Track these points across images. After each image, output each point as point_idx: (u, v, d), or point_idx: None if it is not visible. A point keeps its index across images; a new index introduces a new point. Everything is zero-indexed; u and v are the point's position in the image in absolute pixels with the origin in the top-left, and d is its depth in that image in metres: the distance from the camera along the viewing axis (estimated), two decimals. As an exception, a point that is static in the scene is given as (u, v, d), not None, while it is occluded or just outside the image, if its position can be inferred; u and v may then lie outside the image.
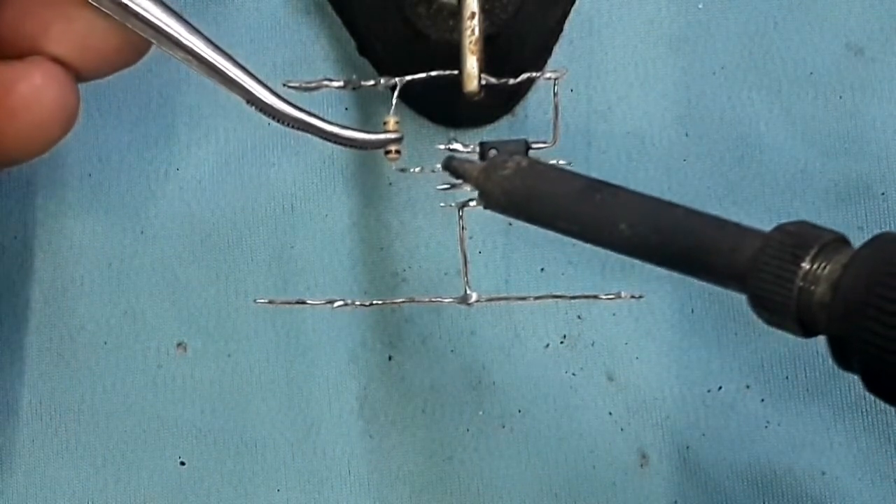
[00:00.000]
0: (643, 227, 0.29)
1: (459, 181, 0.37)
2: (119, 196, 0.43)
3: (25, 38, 0.32)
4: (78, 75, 0.32)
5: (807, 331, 0.27)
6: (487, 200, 0.33)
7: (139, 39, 0.32)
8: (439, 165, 0.37)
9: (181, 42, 0.32)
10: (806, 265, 0.26)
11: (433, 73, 0.36)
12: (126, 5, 0.31)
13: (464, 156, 0.36)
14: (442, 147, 0.37)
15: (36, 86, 0.31)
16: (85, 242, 0.43)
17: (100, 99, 0.43)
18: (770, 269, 0.26)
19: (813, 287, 0.26)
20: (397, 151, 0.35)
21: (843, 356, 0.26)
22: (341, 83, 0.36)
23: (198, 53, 0.32)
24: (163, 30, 0.32)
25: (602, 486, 0.42)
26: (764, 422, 0.43)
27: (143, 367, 0.42)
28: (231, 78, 0.33)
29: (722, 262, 0.27)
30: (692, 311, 0.43)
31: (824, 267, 0.26)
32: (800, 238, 0.26)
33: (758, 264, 0.27)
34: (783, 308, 0.26)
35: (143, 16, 0.31)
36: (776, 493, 0.42)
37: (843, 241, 0.27)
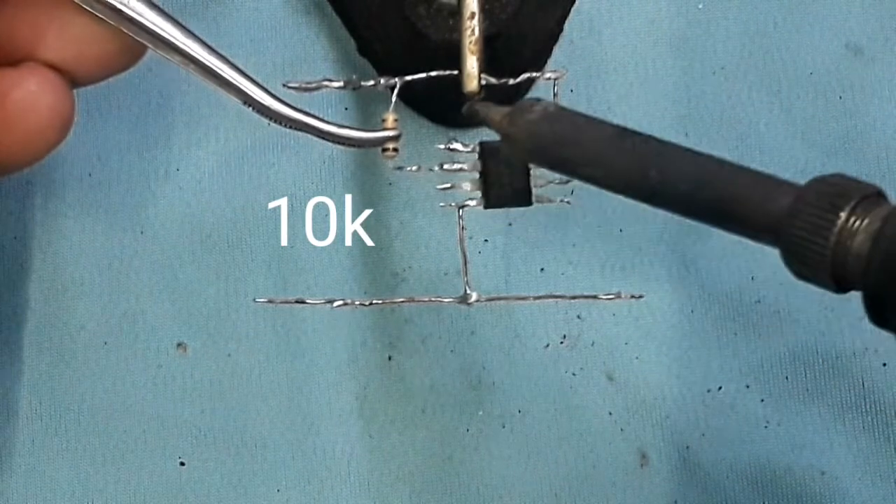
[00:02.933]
0: (673, 175, 0.28)
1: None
2: (119, 196, 0.43)
3: (20, 44, 0.31)
4: (73, 81, 0.32)
5: (841, 285, 0.26)
6: (512, 145, 0.32)
7: (134, 44, 0.32)
8: (437, 165, 0.37)
9: (177, 46, 0.32)
10: (844, 216, 0.25)
11: (433, 73, 0.36)
12: (121, 11, 0.31)
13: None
14: (442, 147, 0.37)
15: (31, 92, 0.31)
16: (85, 242, 0.43)
17: (100, 99, 0.43)
18: (807, 219, 0.26)
19: (850, 240, 0.25)
20: (395, 149, 0.35)
21: (880, 312, 0.25)
22: (341, 83, 0.36)
23: (193, 57, 0.32)
24: (158, 34, 0.32)
25: (602, 486, 0.42)
26: (764, 422, 0.43)
27: (143, 367, 0.42)
28: (227, 80, 0.33)
29: (755, 212, 0.27)
30: (692, 311, 0.43)
31: (863, 219, 0.25)
32: (840, 188, 0.26)
33: (794, 215, 0.26)
34: (818, 260, 0.26)
35: (137, 21, 0.31)
36: (776, 493, 0.42)
37: (881, 194, 0.26)
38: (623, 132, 0.30)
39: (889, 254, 0.25)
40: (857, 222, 0.25)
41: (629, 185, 0.29)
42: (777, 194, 0.27)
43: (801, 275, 0.27)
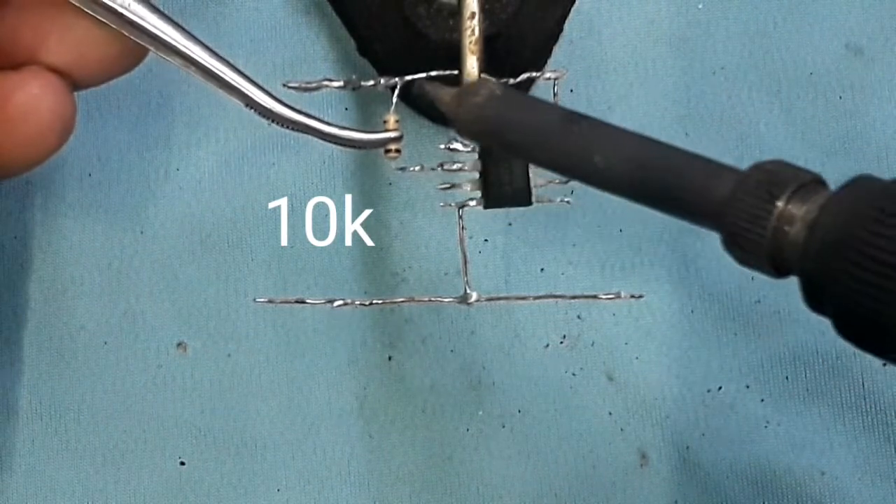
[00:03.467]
0: (618, 161, 0.28)
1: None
2: (119, 196, 0.43)
3: (22, 47, 0.32)
4: (75, 84, 0.32)
5: (779, 271, 0.27)
6: (459, 126, 0.32)
7: (136, 47, 0.32)
8: (437, 165, 0.37)
9: (178, 49, 0.32)
10: (781, 204, 0.26)
11: (433, 73, 0.36)
12: (122, 14, 0.31)
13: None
14: (442, 147, 0.37)
15: (33, 95, 0.31)
16: (85, 242, 0.43)
17: (100, 99, 0.43)
18: (745, 207, 0.26)
19: (788, 227, 0.26)
20: (397, 150, 0.35)
21: (815, 298, 0.26)
22: (341, 83, 0.36)
23: (195, 59, 0.32)
24: (159, 37, 0.32)
25: (602, 486, 0.42)
26: (764, 422, 0.43)
27: (143, 367, 0.42)
28: (228, 83, 0.33)
29: (697, 198, 0.27)
30: (692, 311, 0.43)
31: (800, 207, 0.26)
32: (777, 177, 0.26)
33: (733, 202, 0.26)
34: (756, 247, 0.26)
35: (138, 24, 0.32)
36: (776, 493, 0.42)
37: (820, 182, 0.26)
38: (569, 116, 0.30)
39: (824, 243, 0.25)
40: (795, 210, 0.26)
41: (574, 170, 0.29)
42: (718, 181, 0.27)
43: (741, 260, 0.27)
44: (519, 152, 0.31)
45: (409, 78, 0.36)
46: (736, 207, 0.26)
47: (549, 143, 0.30)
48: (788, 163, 0.27)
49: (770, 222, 0.26)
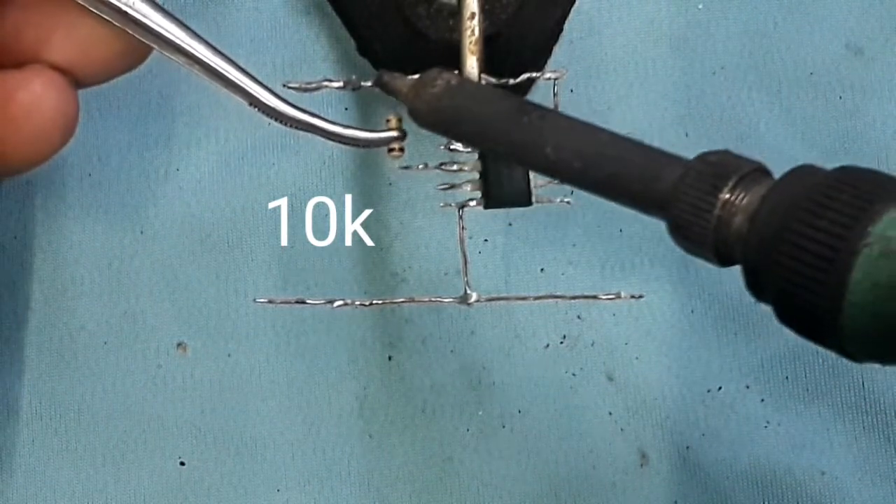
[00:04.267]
0: (568, 152, 0.29)
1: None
2: (119, 196, 0.43)
3: (26, 46, 0.32)
4: (78, 82, 0.32)
5: (723, 261, 0.27)
6: (416, 117, 0.32)
7: (139, 45, 0.32)
8: (439, 165, 0.37)
9: (182, 47, 0.32)
10: (724, 196, 0.26)
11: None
12: (126, 12, 0.31)
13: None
14: (442, 147, 0.37)
15: (36, 94, 0.31)
16: (85, 242, 0.43)
17: (100, 99, 0.43)
18: (689, 198, 0.27)
19: (731, 217, 0.26)
20: (400, 149, 0.35)
21: (757, 286, 0.26)
22: (341, 83, 0.36)
23: (198, 58, 0.32)
24: (163, 35, 0.32)
25: (602, 486, 0.42)
26: (764, 422, 0.43)
27: (143, 367, 0.42)
28: (232, 81, 0.33)
29: (643, 189, 0.28)
30: (692, 311, 0.43)
31: (742, 198, 0.26)
32: (719, 168, 0.27)
33: (677, 193, 0.27)
34: (701, 238, 0.27)
35: (143, 22, 0.32)
36: (776, 493, 0.42)
37: (763, 171, 0.27)
38: (522, 107, 0.30)
39: (764, 235, 0.26)
40: (738, 200, 0.26)
41: (526, 160, 0.30)
42: (664, 172, 0.27)
43: (687, 250, 0.27)
44: (473, 143, 0.31)
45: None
46: (680, 199, 0.27)
47: (502, 134, 0.30)
48: (732, 153, 0.27)
49: (713, 214, 0.26)
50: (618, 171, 0.28)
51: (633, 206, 0.28)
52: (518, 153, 0.30)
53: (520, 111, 0.30)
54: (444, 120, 0.32)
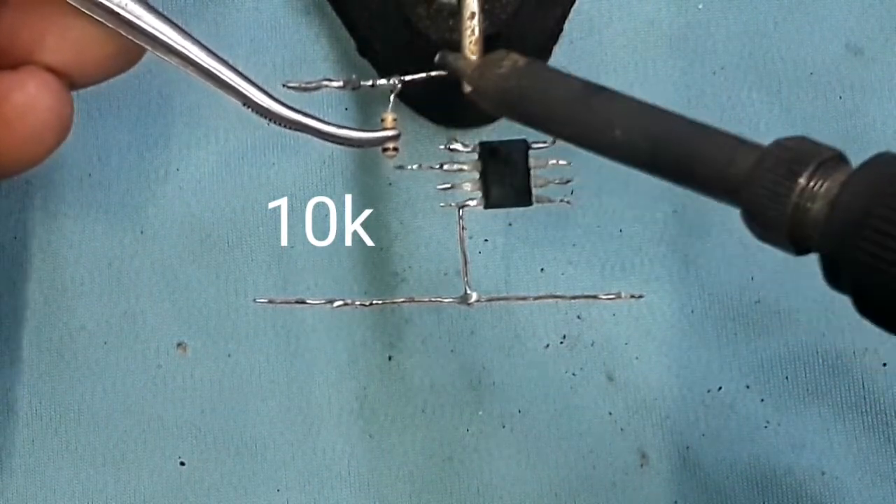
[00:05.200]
0: (638, 134, 0.28)
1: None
2: (119, 196, 0.43)
3: (20, 47, 0.32)
4: (72, 83, 0.32)
5: (798, 248, 0.26)
6: (481, 99, 0.32)
7: (133, 46, 0.32)
8: (438, 164, 0.37)
9: (175, 48, 0.32)
10: (803, 181, 0.26)
11: (433, 74, 0.36)
12: (119, 14, 0.31)
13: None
14: (442, 147, 0.37)
15: (30, 95, 0.31)
16: (85, 242, 0.43)
17: (100, 99, 0.43)
18: (765, 183, 0.26)
19: (809, 204, 0.26)
20: (395, 148, 0.35)
21: (835, 275, 0.26)
22: (341, 83, 0.36)
23: (191, 59, 0.32)
24: (156, 37, 0.32)
25: (602, 486, 0.42)
26: (764, 422, 0.43)
27: (143, 367, 0.42)
28: (226, 82, 0.33)
29: (716, 174, 0.27)
30: (692, 311, 0.43)
31: (821, 184, 0.26)
32: (798, 153, 0.26)
33: (753, 178, 0.26)
34: (776, 224, 0.26)
35: (136, 24, 0.32)
36: (776, 493, 0.42)
37: (841, 158, 0.26)
38: (589, 89, 0.30)
39: (844, 221, 0.25)
40: (816, 187, 0.26)
41: (593, 143, 0.29)
42: (738, 157, 0.27)
43: (761, 237, 0.27)
44: (539, 124, 0.31)
45: (408, 78, 0.36)
46: (756, 184, 0.26)
47: (569, 116, 0.30)
48: (810, 139, 0.27)
49: (791, 199, 0.26)
50: (690, 153, 0.27)
51: (704, 191, 0.28)
52: (586, 135, 0.29)
53: (588, 93, 0.29)
54: (509, 101, 0.31)
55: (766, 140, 0.43)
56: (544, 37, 0.43)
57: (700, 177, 0.27)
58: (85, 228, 0.43)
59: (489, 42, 0.37)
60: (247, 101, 0.33)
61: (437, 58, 0.35)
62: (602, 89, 0.30)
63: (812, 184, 0.26)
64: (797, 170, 0.26)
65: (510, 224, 0.43)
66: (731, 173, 0.27)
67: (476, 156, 0.37)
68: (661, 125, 0.28)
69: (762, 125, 0.43)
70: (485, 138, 0.37)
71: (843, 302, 0.27)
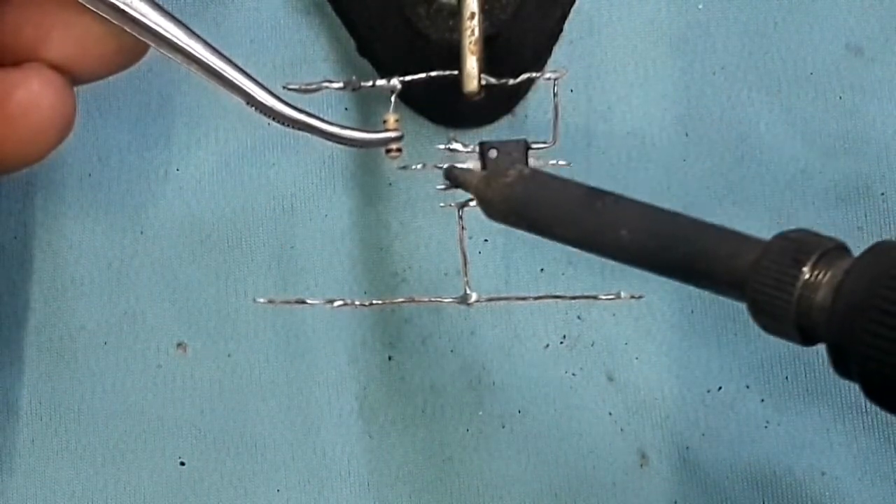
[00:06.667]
0: (643, 234, 0.29)
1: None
2: (119, 196, 0.43)
3: (24, 44, 0.32)
4: (75, 79, 0.32)
5: (806, 337, 0.27)
6: (488, 209, 0.33)
7: (137, 43, 0.32)
8: (440, 165, 0.37)
9: (179, 46, 0.32)
10: (807, 270, 0.26)
11: (433, 74, 0.36)
12: (124, 10, 0.31)
13: (464, 164, 0.36)
14: (442, 147, 0.37)
15: (33, 92, 0.31)
16: (85, 242, 0.43)
17: (100, 99, 0.43)
18: (771, 274, 0.26)
19: (813, 293, 0.26)
20: (398, 149, 0.35)
21: (843, 363, 0.26)
22: (341, 84, 0.36)
23: (196, 57, 0.32)
24: (161, 34, 0.32)
25: (602, 486, 0.42)
26: (764, 422, 0.43)
27: (143, 367, 0.42)
28: (230, 80, 0.33)
29: (721, 268, 0.28)
30: (692, 311, 0.43)
31: (825, 273, 0.26)
32: (801, 244, 0.26)
33: (758, 269, 0.27)
34: (783, 314, 0.26)
35: (140, 20, 0.32)
36: (776, 493, 0.42)
37: (843, 248, 0.27)
38: (593, 193, 0.30)
39: (850, 307, 0.25)
40: (820, 276, 0.26)
41: (601, 246, 0.30)
42: (742, 250, 0.27)
43: (767, 328, 0.27)
44: (546, 231, 0.31)
45: (409, 78, 0.36)
46: (762, 274, 0.27)
47: (576, 219, 0.30)
48: (811, 231, 0.27)
49: (796, 289, 0.26)
50: (695, 250, 0.28)
51: (711, 287, 0.28)
52: (592, 237, 0.30)
53: (592, 195, 0.30)
54: (516, 209, 0.32)
55: (765, 140, 0.43)
56: (544, 37, 0.43)
57: (706, 273, 0.28)
58: (85, 228, 0.43)
59: (489, 42, 0.37)
60: (250, 100, 0.33)
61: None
62: (605, 193, 0.30)
63: (817, 272, 0.26)
64: (802, 258, 0.26)
65: (510, 224, 0.43)
66: (737, 266, 0.27)
67: (476, 156, 0.37)
68: (666, 224, 0.29)
69: (762, 125, 0.43)
70: (485, 138, 0.37)
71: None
